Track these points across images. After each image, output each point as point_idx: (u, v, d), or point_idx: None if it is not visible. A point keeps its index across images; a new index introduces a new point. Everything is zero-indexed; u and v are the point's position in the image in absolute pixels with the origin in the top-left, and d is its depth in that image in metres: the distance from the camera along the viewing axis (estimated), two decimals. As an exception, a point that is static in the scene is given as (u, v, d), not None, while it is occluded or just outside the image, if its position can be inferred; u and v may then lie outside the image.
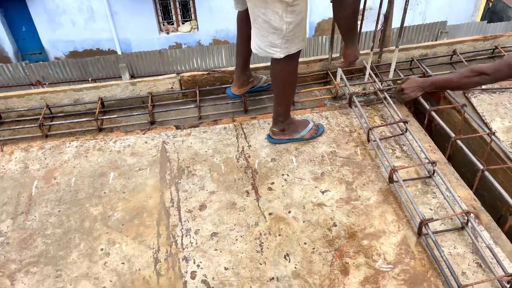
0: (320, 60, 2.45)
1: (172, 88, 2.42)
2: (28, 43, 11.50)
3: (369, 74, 2.37)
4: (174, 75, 2.41)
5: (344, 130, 2.13)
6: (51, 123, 2.25)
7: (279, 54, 1.80)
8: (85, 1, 10.51)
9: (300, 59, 2.46)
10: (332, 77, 2.40)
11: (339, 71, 2.30)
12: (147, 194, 1.83)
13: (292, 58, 1.85)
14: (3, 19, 10.84)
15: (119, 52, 11.13)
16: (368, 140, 2.03)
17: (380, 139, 1.98)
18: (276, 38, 1.76)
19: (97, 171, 1.96)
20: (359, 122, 2.16)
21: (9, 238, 1.66)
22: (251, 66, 2.41)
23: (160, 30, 11.45)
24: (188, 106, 2.37)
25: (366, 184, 1.83)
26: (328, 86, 2.42)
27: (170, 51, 8.91)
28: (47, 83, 8.88)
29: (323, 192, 1.80)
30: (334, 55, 2.43)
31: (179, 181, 1.89)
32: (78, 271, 1.53)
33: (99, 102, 2.28)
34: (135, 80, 2.33)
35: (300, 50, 1.87)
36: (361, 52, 2.47)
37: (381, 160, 1.91)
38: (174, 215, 1.74)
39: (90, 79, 8.90)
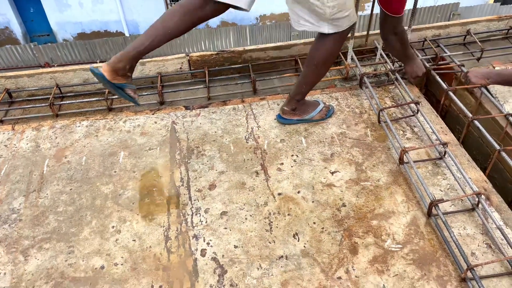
0: (331, 40, 2.41)
1: (181, 68, 2.41)
2: (36, 24, 11.48)
3: (381, 54, 2.33)
4: (183, 55, 2.40)
5: (354, 111, 2.11)
6: (61, 102, 2.26)
7: (327, 29, 1.74)
8: (93, -19, 10.43)
9: (310, 39, 2.44)
10: (343, 58, 2.37)
11: (350, 52, 2.27)
12: (157, 174, 1.84)
13: (340, 36, 1.79)
14: (11, 0, 10.81)
15: (127, 34, 11.09)
16: (379, 122, 2.02)
17: (391, 121, 1.96)
18: (322, 18, 1.71)
19: (107, 150, 1.97)
20: (370, 103, 2.13)
21: (21, 215, 1.68)
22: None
23: (168, 11, 11.33)
24: (197, 87, 2.36)
25: (376, 165, 1.82)
26: (338, 67, 2.39)
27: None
28: (55, 65, 8.89)
29: (332, 173, 1.79)
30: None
31: (188, 161, 1.90)
32: (90, 247, 1.55)
33: (109, 82, 2.27)
34: (144, 60, 2.32)
35: (350, 29, 1.81)
36: (372, 32, 2.43)
37: (391, 142, 1.89)
38: (184, 194, 1.75)
39: (98, 61, 8.89)
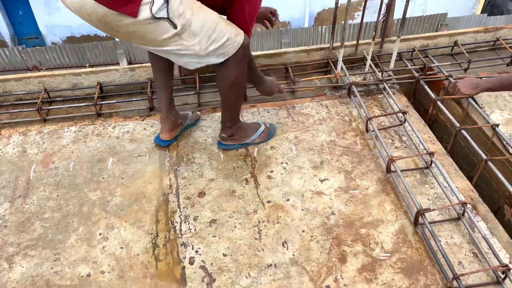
0: (321, 49, 2.44)
1: (171, 74, 2.40)
2: (24, 27, 11.36)
3: (370, 64, 2.36)
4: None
5: (344, 119, 2.13)
6: (49, 107, 2.23)
7: (217, 60, 1.66)
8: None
9: (301, 48, 2.46)
10: (333, 66, 2.39)
11: (340, 61, 2.29)
12: (146, 180, 1.83)
13: (238, 59, 1.68)
14: (0, 3, 10.69)
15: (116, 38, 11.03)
16: (367, 130, 2.03)
17: (379, 129, 1.98)
18: (200, 55, 1.62)
19: (95, 156, 1.95)
20: (358, 112, 2.15)
21: (7, 221, 1.65)
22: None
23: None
24: (187, 93, 2.35)
25: (365, 174, 1.83)
26: (328, 76, 2.41)
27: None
28: (44, 68, 8.79)
29: (322, 181, 1.80)
30: (335, 44, 2.41)
31: (178, 168, 1.89)
32: (77, 255, 1.53)
33: (98, 87, 2.26)
34: (134, 65, 2.31)
35: (247, 49, 1.71)
36: (362, 42, 2.46)
37: (379, 150, 1.91)
38: (173, 201, 1.74)
39: (87, 65, 8.83)
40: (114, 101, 2.26)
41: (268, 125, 2.07)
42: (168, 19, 1.46)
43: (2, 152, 1.97)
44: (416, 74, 2.28)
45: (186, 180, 1.84)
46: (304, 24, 11.13)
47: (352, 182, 1.79)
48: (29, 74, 2.26)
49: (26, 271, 1.48)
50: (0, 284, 1.44)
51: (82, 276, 1.46)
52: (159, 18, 1.45)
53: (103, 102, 2.25)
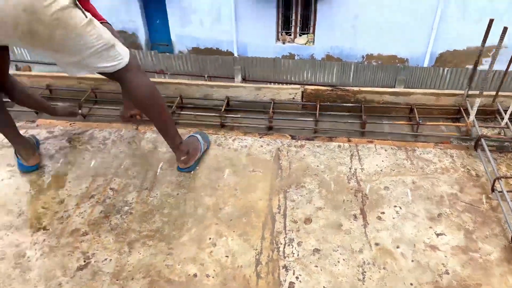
0: (454, 94, 2.31)
1: (294, 98, 2.48)
2: (158, 34, 12.70)
3: (507, 119, 2.16)
4: (298, 86, 2.47)
5: (470, 173, 1.97)
6: (181, 112, 2.45)
7: (119, 65, 1.75)
8: (216, 4, 11.28)
9: (430, 90, 2.36)
10: (465, 115, 2.24)
11: (474, 109, 2.14)
12: (257, 196, 1.90)
13: (131, 67, 1.78)
14: (143, 11, 12.13)
15: (236, 54, 11.73)
16: (492, 190, 1.86)
17: (508, 191, 1.79)
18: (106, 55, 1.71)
19: (214, 164, 2.08)
20: (484, 168, 1.98)
21: (133, 209, 1.84)
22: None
23: (277, 39, 11.80)
24: (306, 118, 2.40)
25: (489, 237, 1.67)
26: (458, 124, 2.27)
27: (283, 60, 9.12)
28: (168, 73, 9.69)
29: (437, 235, 1.69)
30: (470, 92, 2.27)
31: (288, 190, 1.92)
32: (187, 253, 1.64)
33: (226, 101, 2.42)
34: (261, 85, 2.43)
35: (137, 62, 1.85)
36: (503, 93, 2.28)
37: (505, 215, 1.73)
38: (280, 222, 1.77)
39: (206, 75, 9.51)
40: (238, 115, 2.39)
41: (197, 134, 2.17)
42: (78, 7, 1.59)
43: (137, 145, 2.20)
44: None
45: (295, 203, 1.86)
46: (423, 63, 10.65)
47: (473, 244, 1.64)
48: (168, 80, 2.51)
49: (143, 259, 1.62)
50: (119, 265, 1.60)
51: (189, 275, 1.56)
52: (76, 5, 1.58)
53: (227, 115, 2.40)
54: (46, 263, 1.59)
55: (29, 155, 2.01)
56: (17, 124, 2.04)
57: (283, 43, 11.75)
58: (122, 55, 1.75)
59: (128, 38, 12.55)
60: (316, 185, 1.95)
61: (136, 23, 12.28)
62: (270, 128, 2.33)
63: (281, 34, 11.78)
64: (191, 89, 2.49)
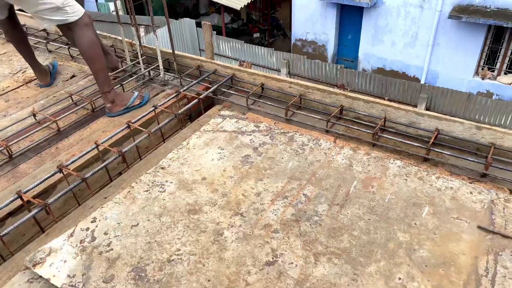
0: None
1: (518, 147, 2.12)
2: (346, 49, 12.80)
3: None
4: (528, 134, 2.09)
5: None
6: (381, 134, 2.35)
7: (67, 20, 2.30)
8: (414, 27, 10.75)
9: None
10: None
11: None
12: (459, 248, 1.67)
13: (83, 22, 2.34)
14: (337, 26, 12.38)
15: (422, 81, 10.99)
16: None
17: None
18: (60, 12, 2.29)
19: (412, 198, 1.92)
20: None
21: (322, 221, 1.82)
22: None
23: (476, 73, 10.60)
24: None
25: None
26: None
27: (479, 98, 8.11)
28: (348, 89, 9.66)
29: None
30: None
31: (500, 253, 1.64)
32: (373, 286, 1.53)
33: (436, 133, 2.21)
34: (482, 125, 2.14)
35: (89, 21, 2.37)
36: None
37: None
38: (486, 287, 1.52)
39: (386, 98, 9.15)
40: (447, 152, 2.16)
41: (140, 93, 2.67)
42: None
43: (333, 158, 2.19)
44: None
45: (508, 271, 1.57)
46: None
47: None
48: (376, 100, 2.43)
49: (327, 275, 1.58)
50: (303, 274, 1.59)
51: (372, 310, 1.45)
52: None
53: (433, 149, 2.20)
54: (239, 248, 1.69)
55: (42, 78, 2.95)
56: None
57: (482, 78, 10.48)
58: (71, 13, 2.28)
59: (316, 49, 13.00)
60: (536, 257, 1.61)
61: (328, 36, 12.60)
62: (483, 175, 2.03)
63: (482, 69, 10.53)
64: (397, 113, 2.36)
